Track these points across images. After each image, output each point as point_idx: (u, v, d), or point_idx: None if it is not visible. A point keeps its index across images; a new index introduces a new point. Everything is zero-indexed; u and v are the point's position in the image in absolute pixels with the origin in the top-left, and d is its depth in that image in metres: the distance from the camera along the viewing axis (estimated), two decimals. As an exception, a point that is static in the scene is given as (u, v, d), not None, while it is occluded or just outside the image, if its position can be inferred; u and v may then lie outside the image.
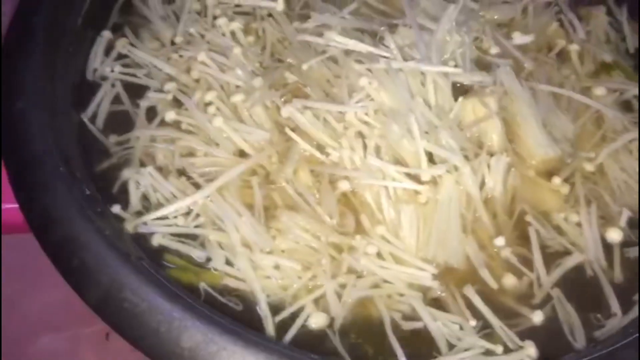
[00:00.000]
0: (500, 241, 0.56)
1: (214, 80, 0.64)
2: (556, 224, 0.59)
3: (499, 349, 0.50)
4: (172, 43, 0.67)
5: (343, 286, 0.53)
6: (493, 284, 0.55)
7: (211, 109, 0.62)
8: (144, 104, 0.63)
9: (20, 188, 0.51)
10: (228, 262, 0.54)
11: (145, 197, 0.57)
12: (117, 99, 0.63)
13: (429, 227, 0.57)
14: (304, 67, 0.64)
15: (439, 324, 0.52)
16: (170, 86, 0.63)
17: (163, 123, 0.62)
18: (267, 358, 0.44)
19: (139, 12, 0.69)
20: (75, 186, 0.51)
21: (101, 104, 0.62)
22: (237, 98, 0.62)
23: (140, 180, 0.57)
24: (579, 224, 0.59)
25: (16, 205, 0.56)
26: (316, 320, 0.51)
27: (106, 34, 0.67)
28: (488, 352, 0.50)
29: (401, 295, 0.54)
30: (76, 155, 0.56)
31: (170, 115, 0.61)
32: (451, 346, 0.51)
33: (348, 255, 0.55)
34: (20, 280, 0.81)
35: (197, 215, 0.56)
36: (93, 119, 0.62)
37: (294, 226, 0.55)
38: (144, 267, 0.49)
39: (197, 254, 0.54)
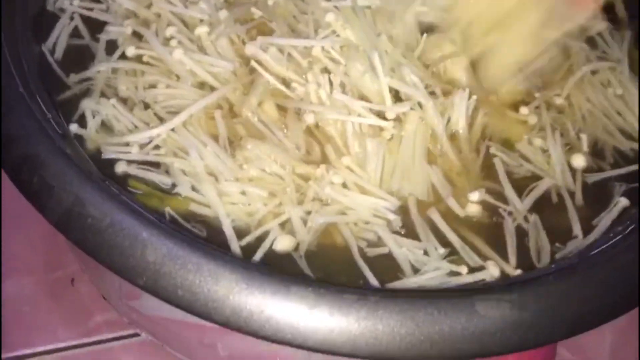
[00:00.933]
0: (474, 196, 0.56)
1: (174, 16, 0.63)
2: (523, 153, 0.60)
3: (463, 269, 0.51)
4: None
5: (309, 213, 0.53)
6: (460, 212, 0.55)
7: (173, 42, 0.61)
8: (103, 37, 0.62)
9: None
10: (194, 189, 0.53)
11: (107, 127, 0.56)
12: (77, 33, 0.63)
13: (394, 161, 0.58)
14: (270, 2, 0.64)
15: (403, 250, 0.52)
16: (129, 21, 0.63)
17: (124, 57, 0.61)
18: (232, 270, 0.44)
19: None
20: (35, 108, 0.50)
21: (60, 37, 0.61)
22: (201, 30, 0.61)
23: (101, 111, 0.56)
24: (544, 150, 0.60)
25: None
26: (282, 244, 0.51)
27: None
28: (452, 274, 0.51)
29: (366, 223, 0.54)
30: (37, 82, 0.54)
31: (131, 50, 0.61)
32: (416, 270, 0.51)
33: (314, 184, 0.54)
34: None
35: (158, 147, 0.55)
36: (52, 51, 0.60)
37: (260, 154, 0.55)
38: (107, 185, 0.48)
39: (162, 180, 0.53)
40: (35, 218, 0.77)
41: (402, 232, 0.54)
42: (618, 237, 0.52)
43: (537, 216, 0.55)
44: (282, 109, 0.59)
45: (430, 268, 0.51)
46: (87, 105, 0.57)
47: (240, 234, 0.51)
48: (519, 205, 0.56)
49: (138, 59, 0.61)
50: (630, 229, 0.53)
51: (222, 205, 0.52)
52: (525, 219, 0.55)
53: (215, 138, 0.56)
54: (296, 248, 0.51)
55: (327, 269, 0.51)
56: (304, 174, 0.56)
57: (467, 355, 0.43)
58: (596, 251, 0.51)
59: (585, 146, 0.60)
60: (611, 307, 0.46)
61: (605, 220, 0.55)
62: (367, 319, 0.43)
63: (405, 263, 0.52)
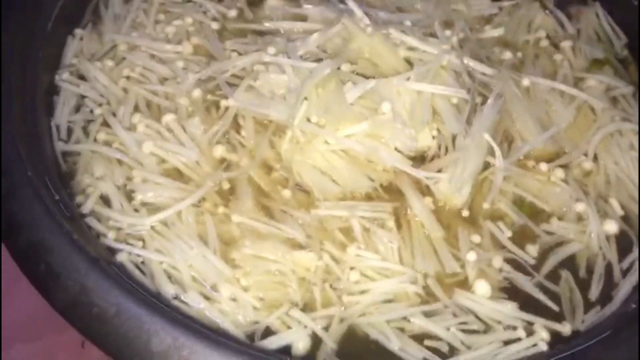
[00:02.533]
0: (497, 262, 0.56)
1: (140, 92, 0.62)
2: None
3: (521, 333, 0.51)
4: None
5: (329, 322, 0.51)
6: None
7: (140, 127, 0.59)
8: (79, 118, 0.61)
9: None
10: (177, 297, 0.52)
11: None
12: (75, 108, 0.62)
13: (409, 245, 0.56)
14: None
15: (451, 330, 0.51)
16: (98, 111, 0.61)
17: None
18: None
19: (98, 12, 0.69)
20: (43, 191, 0.50)
21: (63, 114, 0.61)
22: (168, 118, 0.60)
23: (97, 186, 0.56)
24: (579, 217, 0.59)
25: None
26: (300, 345, 0.50)
27: (78, 32, 0.66)
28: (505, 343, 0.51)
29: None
30: (44, 161, 0.54)
31: (101, 136, 0.60)
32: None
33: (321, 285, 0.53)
34: (-5, 289, 0.79)
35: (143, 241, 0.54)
36: (58, 128, 0.60)
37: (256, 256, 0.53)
38: (113, 271, 0.48)
39: (149, 284, 0.52)
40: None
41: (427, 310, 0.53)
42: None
43: (569, 273, 0.55)
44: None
45: (484, 342, 0.50)
46: (80, 183, 0.57)
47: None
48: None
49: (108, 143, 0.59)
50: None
51: (214, 310, 0.51)
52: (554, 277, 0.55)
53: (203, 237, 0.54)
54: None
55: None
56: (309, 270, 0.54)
57: None
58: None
59: (618, 211, 0.59)
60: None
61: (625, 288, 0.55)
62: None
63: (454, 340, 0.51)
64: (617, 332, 0.48)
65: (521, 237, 0.57)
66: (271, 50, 0.63)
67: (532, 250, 0.56)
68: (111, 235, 0.53)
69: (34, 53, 0.60)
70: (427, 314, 0.52)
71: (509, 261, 0.56)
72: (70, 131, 0.60)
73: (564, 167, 0.61)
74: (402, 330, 0.51)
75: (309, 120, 0.59)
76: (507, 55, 0.69)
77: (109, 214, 0.54)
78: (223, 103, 0.62)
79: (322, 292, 0.52)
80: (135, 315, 0.45)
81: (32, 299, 0.79)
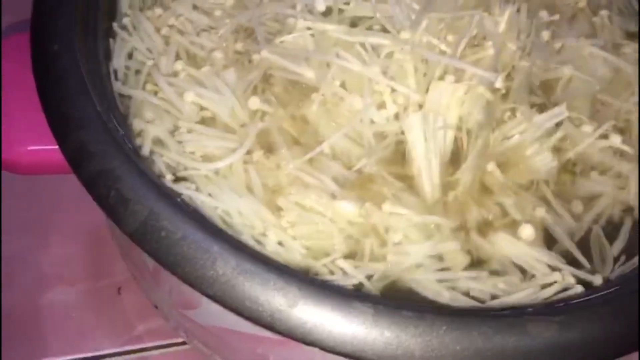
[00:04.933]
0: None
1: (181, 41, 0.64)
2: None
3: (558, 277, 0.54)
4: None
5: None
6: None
7: (182, 75, 0.61)
8: (132, 65, 0.63)
9: (57, 123, 0.52)
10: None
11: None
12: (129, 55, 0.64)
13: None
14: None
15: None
16: (146, 62, 0.63)
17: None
18: (297, 284, 0.46)
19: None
20: (110, 125, 0.53)
21: (120, 57, 0.63)
22: (206, 69, 0.62)
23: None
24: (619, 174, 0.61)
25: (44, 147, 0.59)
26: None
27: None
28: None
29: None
30: (108, 100, 0.57)
31: (148, 86, 0.61)
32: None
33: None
34: (32, 235, 0.83)
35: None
36: (115, 71, 0.63)
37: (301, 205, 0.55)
38: (178, 201, 0.51)
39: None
40: (82, 228, 0.81)
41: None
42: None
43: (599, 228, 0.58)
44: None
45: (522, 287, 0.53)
46: (137, 125, 0.59)
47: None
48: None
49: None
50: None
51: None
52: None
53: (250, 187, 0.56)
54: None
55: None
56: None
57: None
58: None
59: None
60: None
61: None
62: (423, 335, 0.46)
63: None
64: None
65: (561, 190, 0.60)
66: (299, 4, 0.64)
67: (578, 205, 0.59)
68: (169, 177, 0.55)
69: (94, 3, 0.63)
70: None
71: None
72: (125, 75, 0.62)
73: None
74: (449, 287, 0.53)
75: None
76: (544, 14, 0.71)
77: (168, 154, 0.57)
78: (255, 57, 0.63)
79: (367, 246, 0.54)
80: (200, 239, 0.48)
81: (68, 246, 0.83)
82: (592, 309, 0.48)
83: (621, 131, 0.65)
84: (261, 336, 0.51)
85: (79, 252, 0.81)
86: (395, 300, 0.48)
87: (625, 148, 0.62)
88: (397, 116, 0.60)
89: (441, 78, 0.61)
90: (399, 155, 0.60)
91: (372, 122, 0.60)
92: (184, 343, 0.77)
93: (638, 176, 0.61)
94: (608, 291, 0.51)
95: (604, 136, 0.62)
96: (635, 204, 0.60)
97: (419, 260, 0.53)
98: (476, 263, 0.55)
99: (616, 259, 0.57)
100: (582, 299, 0.50)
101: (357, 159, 0.59)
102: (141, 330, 0.79)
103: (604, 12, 0.74)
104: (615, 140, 0.62)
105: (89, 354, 0.78)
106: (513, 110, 0.62)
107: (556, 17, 0.72)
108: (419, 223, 0.55)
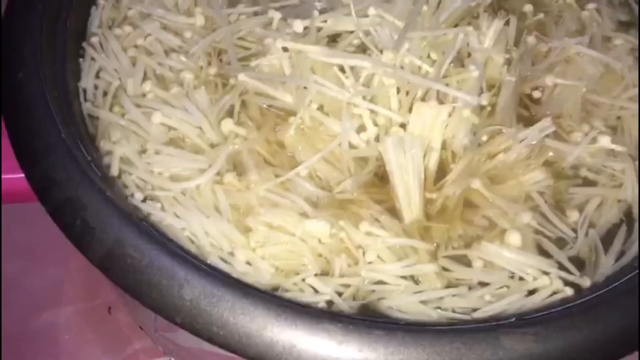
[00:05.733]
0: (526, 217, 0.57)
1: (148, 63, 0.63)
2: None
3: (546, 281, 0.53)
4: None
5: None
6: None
7: (150, 96, 0.61)
8: (100, 84, 0.63)
9: (22, 152, 0.52)
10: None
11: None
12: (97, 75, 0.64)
13: None
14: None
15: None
16: (112, 82, 0.62)
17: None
18: (265, 307, 0.46)
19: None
20: (76, 151, 0.53)
21: (89, 77, 0.63)
22: (175, 90, 0.61)
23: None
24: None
25: (17, 175, 0.58)
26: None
27: (101, 2, 0.68)
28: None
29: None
30: (75, 123, 0.57)
31: (115, 108, 0.61)
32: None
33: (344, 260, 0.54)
34: (23, 258, 0.83)
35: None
36: (85, 91, 0.62)
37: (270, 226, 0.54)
38: (145, 226, 0.50)
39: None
40: (72, 250, 0.80)
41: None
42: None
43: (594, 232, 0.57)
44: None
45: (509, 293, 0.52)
46: (104, 146, 0.58)
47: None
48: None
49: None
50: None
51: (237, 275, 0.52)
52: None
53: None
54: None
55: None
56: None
57: (494, 387, 0.45)
58: (621, 281, 0.52)
59: None
60: (635, 337, 0.47)
61: (635, 246, 0.56)
62: (395, 354, 0.45)
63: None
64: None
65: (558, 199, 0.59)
66: (276, 16, 0.64)
67: (573, 214, 0.58)
68: (138, 195, 0.55)
69: (62, 22, 0.62)
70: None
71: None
72: (94, 95, 0.62)
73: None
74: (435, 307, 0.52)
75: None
76: (528, 8, 0.70)
77: (137, 173, 0.56)
78: (231, 81, 0.63)
79: (338, 263, 0.53)
80: (166, 265, 0.47)
81: (59, 269, 0.83)
82: (568, 320, 0.46)
83: (613, 129, 0.64)
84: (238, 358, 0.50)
85: (69, 274, 0.81)
86: (366, 318, 0.47)
87: (616, 147, 0.61)
88: (377, 138, 0.60)
89: (424, 99, 0.60)
90: (380, 178, 0.59)
91: (351, 145, 0.59)
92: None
93: (638, 175, 0.60)
94: (583, 300, 0.49)
95: (595, 139, 0.61)
96: (632, 200, 0.59)
97: (391, 279, 0.53)
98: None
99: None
100: (557, 309, 0.48)
101: (337, 183, 0.58)
102: (136, 349, 0.79)
103: (591, 6, 0.72)
104: (605, 142, 0.61)
105: (87, 374, 0.78)
106: (500, 128, 0.61)
107: (541, 15, 0.71)
108: (394, 245, 0.54)
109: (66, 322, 0.80)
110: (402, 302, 0.52)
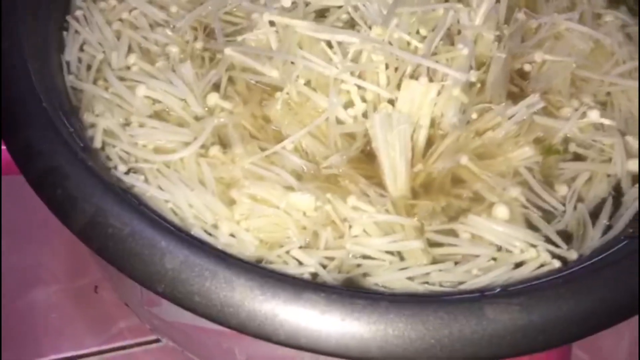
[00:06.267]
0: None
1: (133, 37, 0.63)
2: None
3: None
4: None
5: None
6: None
7: (134, 68, 0.60)
8: (84, 57, 0.62)
9: (3, 123, 0.51)
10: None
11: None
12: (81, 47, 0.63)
13: None
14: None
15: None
16: (96, 56, 0.62)
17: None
18: (248, 278, 0.45)
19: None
20: (58, 122, 0.52)
21: (72, 50, 0.62)
22: (160, 63, 0.61)
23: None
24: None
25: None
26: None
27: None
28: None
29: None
30: (58, 95, 0.56)
31: (100, 81, 0.61)
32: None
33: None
34: (11, 236, 0.82)
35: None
36: (68, 63, 0.61)
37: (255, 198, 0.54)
38: (127, 196, 0.50)
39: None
40: (59, 229, 0.80)
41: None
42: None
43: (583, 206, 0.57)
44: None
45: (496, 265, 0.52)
46: (88, 119, 0.58)
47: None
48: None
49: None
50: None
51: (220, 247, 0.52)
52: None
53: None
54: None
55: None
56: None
57: (477, 358, 0.44)
58: (607, 253, 0.51)
59: (635, 149, 0.60)
60: (621, 307, 0.47)
61: (623, 219, 0.56)
62: (378, 323, 0.44)
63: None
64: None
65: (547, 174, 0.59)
66: None
67: (562, 189, 0.58)
68: (121, 168, 0.54)
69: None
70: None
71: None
72: (78, 68, 0.61)
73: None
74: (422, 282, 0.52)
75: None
76: None
77: (120, 146, 0.56)
78: (218, 56, 0.62)
79: (323, 235, 0.53)
80: (148, 235, 0.47)
81: (45, 248, 0.83)
82: (554, 290, 0.46)
83: (602, 104, 0.63)
84: (222, 330, 0.50)
85: (55, 253, 0.81)
86: (349, 289, 0.47)
87: (605, 121, 0.61)
88: (366, 114, 0.59)
89: (414, 76, 0.60)
90: (367, 155, 0.59)
91: (338, 121, 0.59)
92: (164, 339, 0.76)
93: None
94: (569, 271, 0.49)
95: (584, 114, 0.61)
96: (621, 174, 0.59)
97: (376, 254, 0.52)
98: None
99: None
100: (542, 280, 0.48)
101: (324, 158, 0.57)
102: (121, 327, 0.79)
103: None
104: (594, 116, 0.61)
105: (71, 353, 0.78)
106: (489, 104, 0.61)
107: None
108: (381, 221, 0.54)
109: (53, 301, 0.79)
110: (388, 279, 0.51)
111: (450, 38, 0.64)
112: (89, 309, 0.79)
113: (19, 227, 0.82)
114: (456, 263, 0.53)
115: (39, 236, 0.81)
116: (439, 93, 0.59)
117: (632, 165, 0.59)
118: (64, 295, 0.79)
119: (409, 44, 0.62)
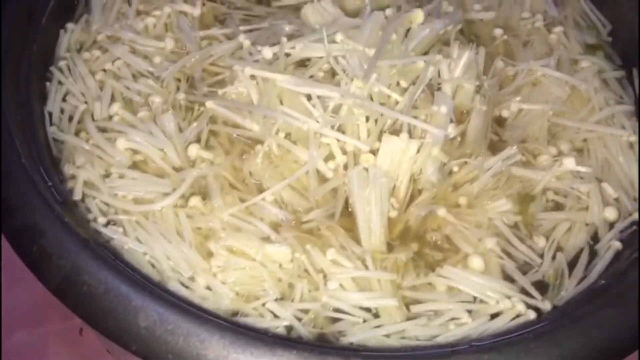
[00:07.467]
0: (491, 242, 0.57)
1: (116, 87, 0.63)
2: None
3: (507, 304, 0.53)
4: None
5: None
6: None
7: (116, 118, 0.61)
8: (66, 108, 0.63)
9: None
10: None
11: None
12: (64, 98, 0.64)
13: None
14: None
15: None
16: (78, 106, 0.62)
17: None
18: (221, 335, 0.45)
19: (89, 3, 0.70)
20: (37, 176, 0.53)
21: (55, 102, 0.63)
22: (142, 114, 0.62)
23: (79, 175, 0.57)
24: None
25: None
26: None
27: (70, 27, 0.68)
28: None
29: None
30: (38, 147, 0.57)
31: (81, 133, 0.61)
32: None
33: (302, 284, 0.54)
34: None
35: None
36: (50, 115, 0.62)
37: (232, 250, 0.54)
38: (103, 252, 0.50)
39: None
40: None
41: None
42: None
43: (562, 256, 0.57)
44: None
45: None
46: (68, 170, 0.58)
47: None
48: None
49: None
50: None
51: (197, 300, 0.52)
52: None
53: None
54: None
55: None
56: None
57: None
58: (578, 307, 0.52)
59: (612, 197, 0.61)
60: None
61: (596, 270, 0.56)
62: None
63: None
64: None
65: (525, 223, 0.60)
66: (245, 43, 0.65)
67: (541, 241, 0.58)
68: (100, 220, 0.55)
69: (29, 46, 0.63)
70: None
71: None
72: (60, 119, 0.62)
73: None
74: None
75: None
76: (498, 32, 0.71)
77: (100, 197, 0.56)
78: (201, 107, 0.63)
79: (299, 288, 0.53)
80: (122, 292, 0.47)
81: (33, 288, 0.82)
82: (523, 345, 0.46)
83: (579, 151, 0.64)
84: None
85: (40, 295, 0.81)
86: (321, 345, 0.47)
87: (582, 169, 0.61)
88: (346, 166, 0.59)
89: (394, 128, 0.61)
90: (347, 207, 0.59)
91: (319, 173, 0.59)
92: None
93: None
94: (539, 325, 0.49)
95: (560, 162, 0.61)
96: (598, 223, 0.59)
97: (351, 309, 0.52)
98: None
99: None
100: (513, 335, 0.48)
101: (305, 211, 0.58)
102: (106, 368, 0.78)
103: (558, 29, 0.73)
104: (571, 164, 0.61)
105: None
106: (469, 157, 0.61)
107: (508, 37, 0.71)
108: (358, 277, 0.54)
109: (38, 342, 0.79)
110: (363, 337, 0.51)
111: (430, 89, 0.64)
112: (75, 353, 0.78)
113: (4, 270, 0.82)
114: (429, 318, 0.53)
115: (20, 279, 0.81)
116: (418, 150, 0.59)
117: (609, 213, 0.59)
118: (50, 338, 0.79)
119: (389, 97, 0.62)
